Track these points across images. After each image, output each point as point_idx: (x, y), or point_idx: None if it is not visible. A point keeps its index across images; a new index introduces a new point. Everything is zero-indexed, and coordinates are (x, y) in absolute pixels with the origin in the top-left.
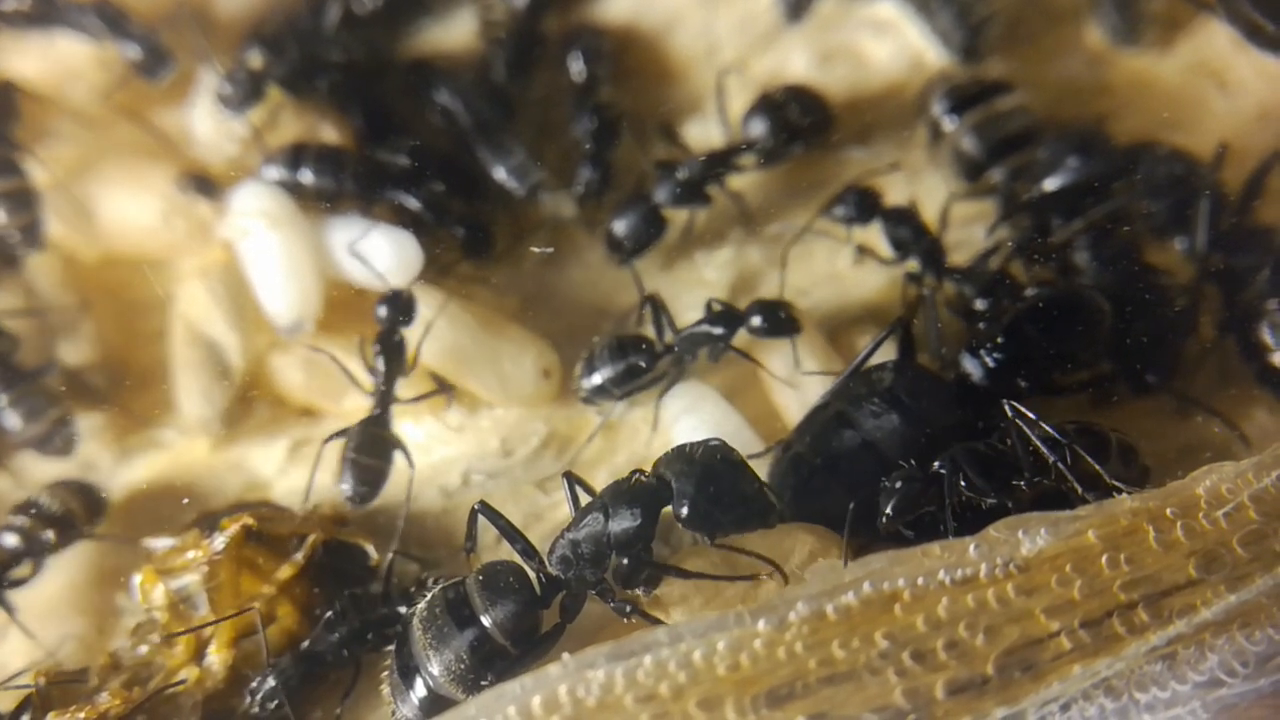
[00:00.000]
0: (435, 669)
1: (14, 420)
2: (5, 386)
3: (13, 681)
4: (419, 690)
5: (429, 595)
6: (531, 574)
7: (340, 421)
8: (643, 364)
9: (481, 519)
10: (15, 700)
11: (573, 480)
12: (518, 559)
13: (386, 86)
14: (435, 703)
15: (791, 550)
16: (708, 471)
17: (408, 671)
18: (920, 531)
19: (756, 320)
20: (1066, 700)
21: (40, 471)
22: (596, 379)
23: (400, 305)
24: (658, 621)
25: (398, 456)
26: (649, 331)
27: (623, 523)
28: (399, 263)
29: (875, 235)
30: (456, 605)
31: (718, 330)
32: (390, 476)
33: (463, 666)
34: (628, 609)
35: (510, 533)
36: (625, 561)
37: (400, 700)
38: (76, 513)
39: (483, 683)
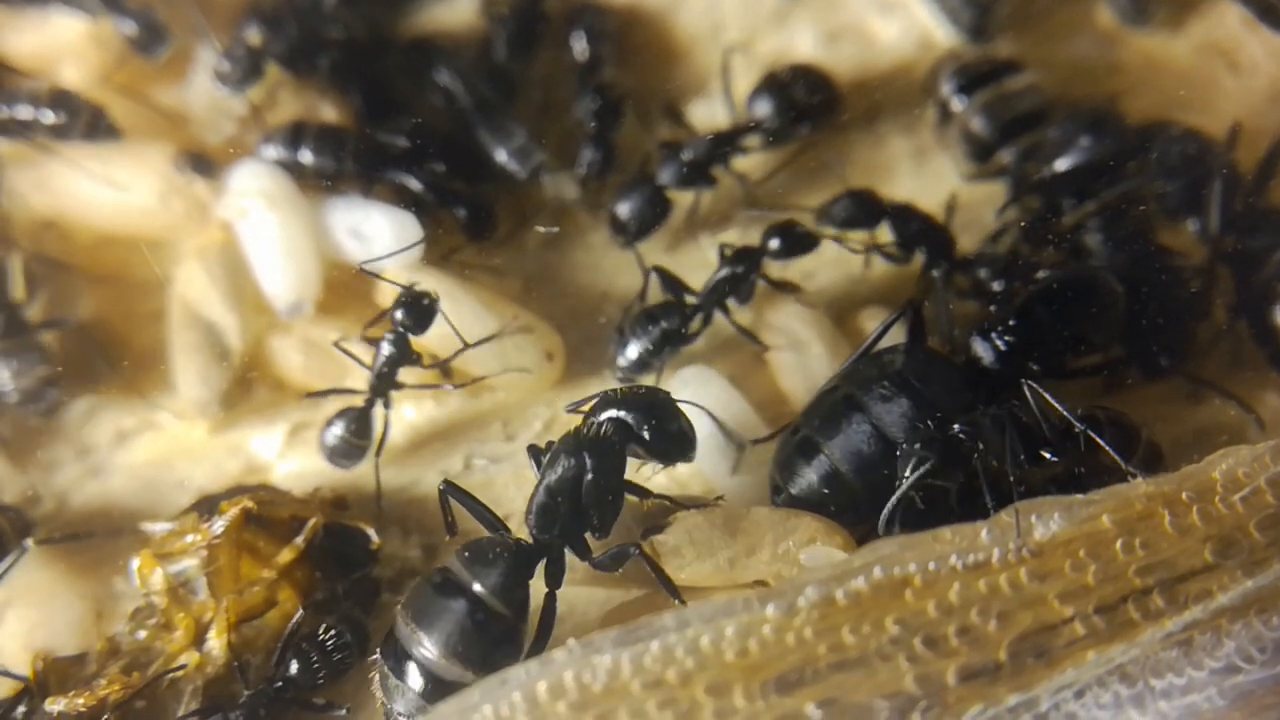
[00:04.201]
0: (434, 651)
1: (2, 374)
2: (3, 335)
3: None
4: (417, 679)
5: (411, 587)
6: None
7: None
8: (676, 327)
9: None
10: (12, 688)
11: (539, 454)
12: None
13: (387, 65)
14: (437, 688)
15: (793, 531)
16: (655, 404)
17: (403, 665)
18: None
19: (775, 244)
20: (1081, 687)
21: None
22: (632, 352)
23: (418, 311)
24: (660, 571)
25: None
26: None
27: (597, 468)
28: (400, 244)
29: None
30: (445, 587)
31: (740, 269)
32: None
33: (467, 642)
34: (607, 563)
35: (479, 510)
36: (600, 510)
37: (398, 697)
38: (8, 530)
39: (488, 657)
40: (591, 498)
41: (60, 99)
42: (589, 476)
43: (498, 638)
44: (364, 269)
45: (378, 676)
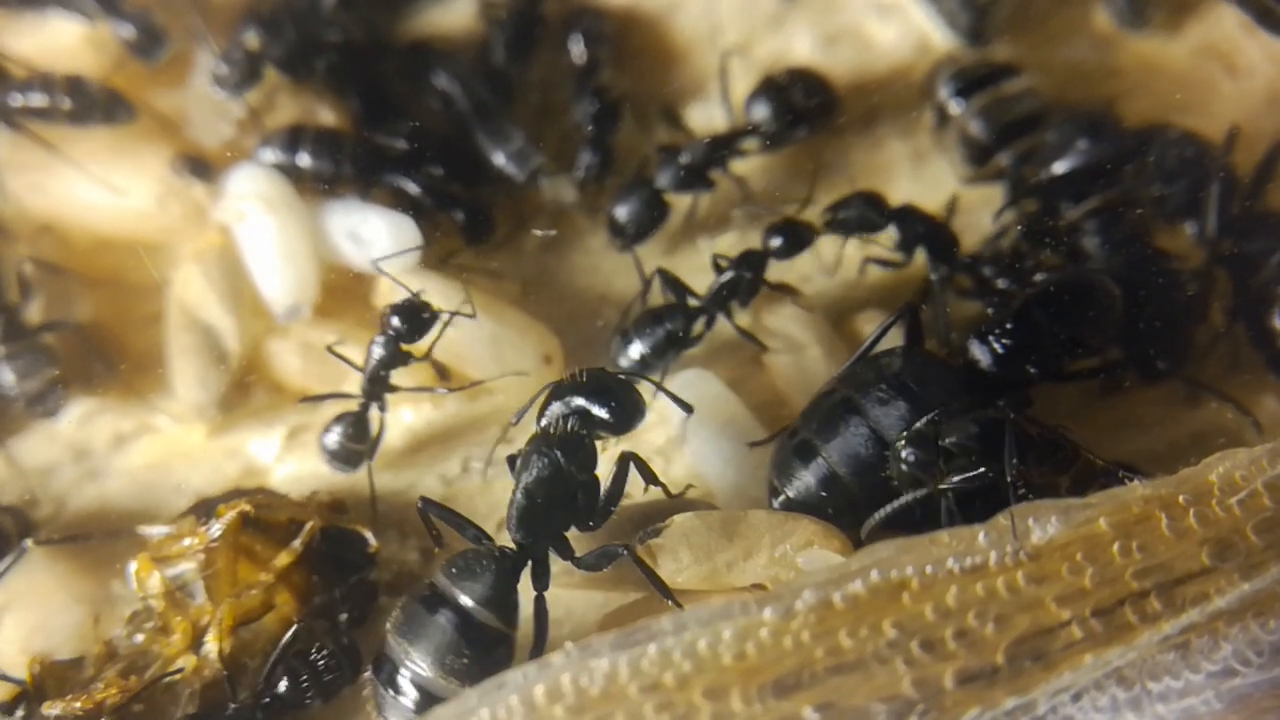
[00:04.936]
0: (427, 668)
1: (8, 376)
2: (6, 338)
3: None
4: (411, 697)
5: (399, 606)
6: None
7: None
8: (679, 330)
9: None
10: (9, 691)
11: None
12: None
13: (384, 68)
14: (433, 704)
15: (791, 534)
16: (606, 386)
17: (397, 683)
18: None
19: (777, 242)
20: (1078, 690)
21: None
22: (634, 353)
23: (415, 321)
24: (651, 573)
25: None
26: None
27: (566, 464)
28: (398, 247)
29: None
30: (433, 602)
31: (745, 272)
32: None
33: (460, 656)
34: (593, 562)
35: (458, 522)
36: (585, 504)
37: (393, 716)
38: (9, 531)
39: (482, 669)
40: (570, 493)
41: (76, 85)
42: (564, 473)
43: (490, 649)
44: (379, 268)
45: (372, 697)
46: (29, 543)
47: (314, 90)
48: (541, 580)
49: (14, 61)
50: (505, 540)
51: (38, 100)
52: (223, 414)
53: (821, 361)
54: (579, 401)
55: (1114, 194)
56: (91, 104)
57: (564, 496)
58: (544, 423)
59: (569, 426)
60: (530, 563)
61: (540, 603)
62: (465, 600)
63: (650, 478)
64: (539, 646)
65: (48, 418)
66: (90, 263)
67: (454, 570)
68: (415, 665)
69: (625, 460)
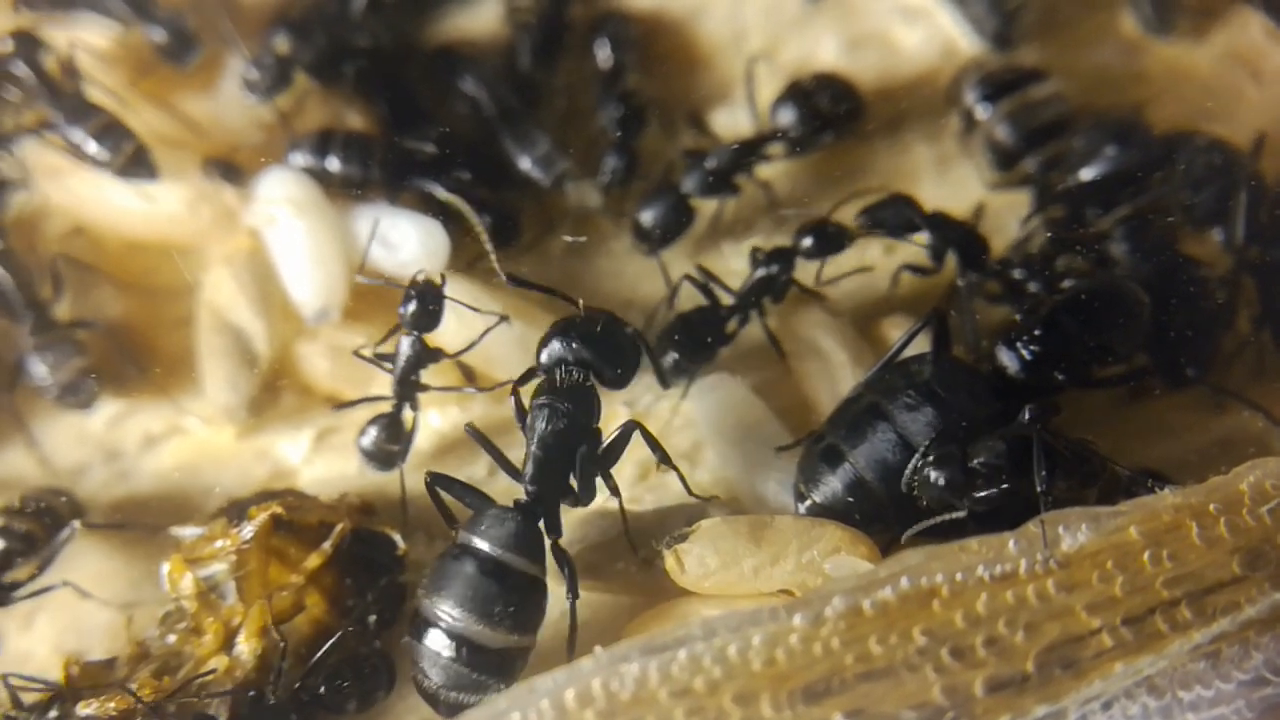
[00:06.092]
0: (465, 620)
1: (40, 368)
2: (36, 331)
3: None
4: (450, 648)
5: (428, 570)
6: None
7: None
8: (714, 330)
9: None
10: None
11: (476, 433)
12: None
13: (412, 73)
14: (473, 653)
15: (818, 540)
16: (611, 336)
17: (436, 639)
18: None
19: (808, 242)
20: (1109, 698)
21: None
22: (668, 360)
23: (424, 312)
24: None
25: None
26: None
27: (577, 415)
28: (427, 251)
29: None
30: (461, 556)
31: (775, 270)
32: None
33: (500, 604)
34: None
35: (467, 491)
36: (586, 453)
37: (434, 671)
38: (61, 511)
39: (518, 613)
40: (578, 442)
41: (108, 130)
42: (575, 422)
43: (523, 591)
44: (360, 279)
45: (411, 658)
46: (77, 523)
47: (343, 95)
48: (556, 529)
49: (67, 62)
50: None
51: (75, 136)
52: (252, 416)
53: (848, 367)
54: (585, 352)
55: (1142, 200)
56: (114, 157)
57: (573, 446)
58: (545, 360)
59: (576, 377)
60: (544, 513)
61: (558, 550)
62: (492, 549)
63: (662, 455)
64: (572, 587)
65: (80, 410)
66: (122, 265)
67: (480, 525)
68: (451, 619)
69: (629, 427)
